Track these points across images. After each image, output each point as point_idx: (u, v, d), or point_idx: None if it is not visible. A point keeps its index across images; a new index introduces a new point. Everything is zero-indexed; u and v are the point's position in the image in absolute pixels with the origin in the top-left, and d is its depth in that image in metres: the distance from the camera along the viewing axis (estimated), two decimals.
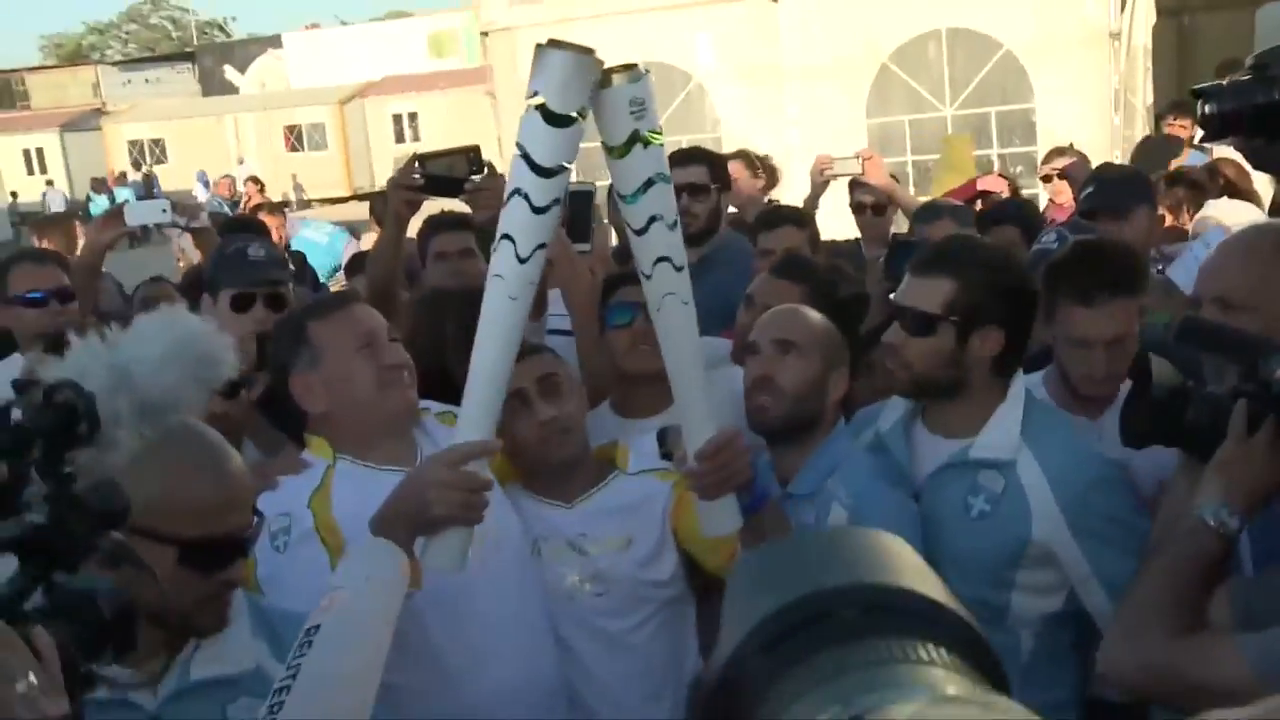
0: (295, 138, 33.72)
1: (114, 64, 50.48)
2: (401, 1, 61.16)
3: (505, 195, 1.93)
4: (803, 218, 4.02)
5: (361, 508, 2.05)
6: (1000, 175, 5.45)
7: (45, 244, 5.17)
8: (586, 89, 1.87)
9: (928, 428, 2.48)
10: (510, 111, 10.71)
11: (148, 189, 26.87)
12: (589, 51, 1.88)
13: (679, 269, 1.98)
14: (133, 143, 35.24)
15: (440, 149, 3.21)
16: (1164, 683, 1.64)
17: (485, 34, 10.93)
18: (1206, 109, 1.84)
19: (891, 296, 2.50)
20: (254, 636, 1.75)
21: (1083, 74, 10.20)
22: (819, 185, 4.63)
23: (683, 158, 4.29)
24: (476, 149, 3.19)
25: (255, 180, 16.58)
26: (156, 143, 35.07)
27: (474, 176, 3.06)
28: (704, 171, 4.18)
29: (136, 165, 33.65)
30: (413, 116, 32.95)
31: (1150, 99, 11.41)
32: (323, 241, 9.46)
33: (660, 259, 1.97)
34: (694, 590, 2.62)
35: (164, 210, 3.92)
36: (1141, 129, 10.88)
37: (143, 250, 15.89)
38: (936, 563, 2.48)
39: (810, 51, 10.34)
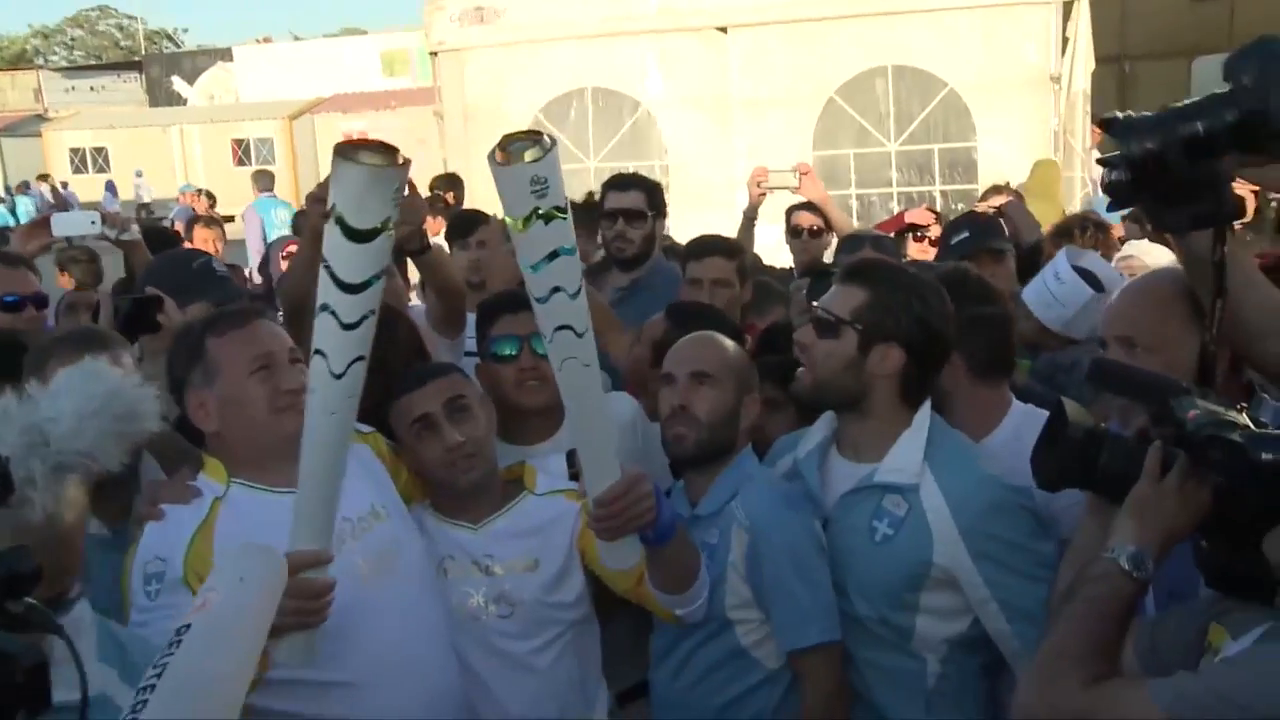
0: (243, 151, 33.34)
1: (57, 70, 49.77)
2: (355, 19, 60.86)
3: (316, 309, 1.86)
4: (731, 248, 4.05)
5: (250, 538, 2.01)
6: (928, 209, 5.52)
7: None
8: (388, 199, 1.80)
9: (840, 452, 2.53)
10: (457, 132, 10.66)
11: (57, 199, 26.18)
12: (392, 155, 1.79)
13: (580, 334, 1.97)
14: (74, 150, 34.64)
15: None
16: None
17: (434, 54, 10.88)
18: (1112, 177, 1.87)
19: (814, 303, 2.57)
20: (100, 661, 1.70)
21: (1024, 115, 10.37)
22: (756, 197, 4.68)
23: (621, 183, 4.34)
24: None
25: (204, 194, 16.32)
26: (99, 151, 34.48)
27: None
28: (641, 198, 4.23)
29: (78, 173, 33.10)
30: (363, 134, 32.65)
31: (1089, 142, 11.63)
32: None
33: (562, 326, 1.97)
34: (601, 611, 2.63)
35: (93, 222, 3.83)
36: (1080, 170, 11.09)
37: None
38: (843, 585, 2.50)
39: (759, 83, 10.41)
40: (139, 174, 28.69)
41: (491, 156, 1.84)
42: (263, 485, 2.27)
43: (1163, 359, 2.08)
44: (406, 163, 1.82)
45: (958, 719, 2.44)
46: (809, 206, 4.85)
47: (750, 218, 4.75)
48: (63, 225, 3.81)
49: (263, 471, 2.27)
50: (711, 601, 2.45)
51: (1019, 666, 2.32)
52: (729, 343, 2.64)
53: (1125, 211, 3.97)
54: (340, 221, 1.79)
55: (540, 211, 1.85)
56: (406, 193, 2.93)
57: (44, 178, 28.57)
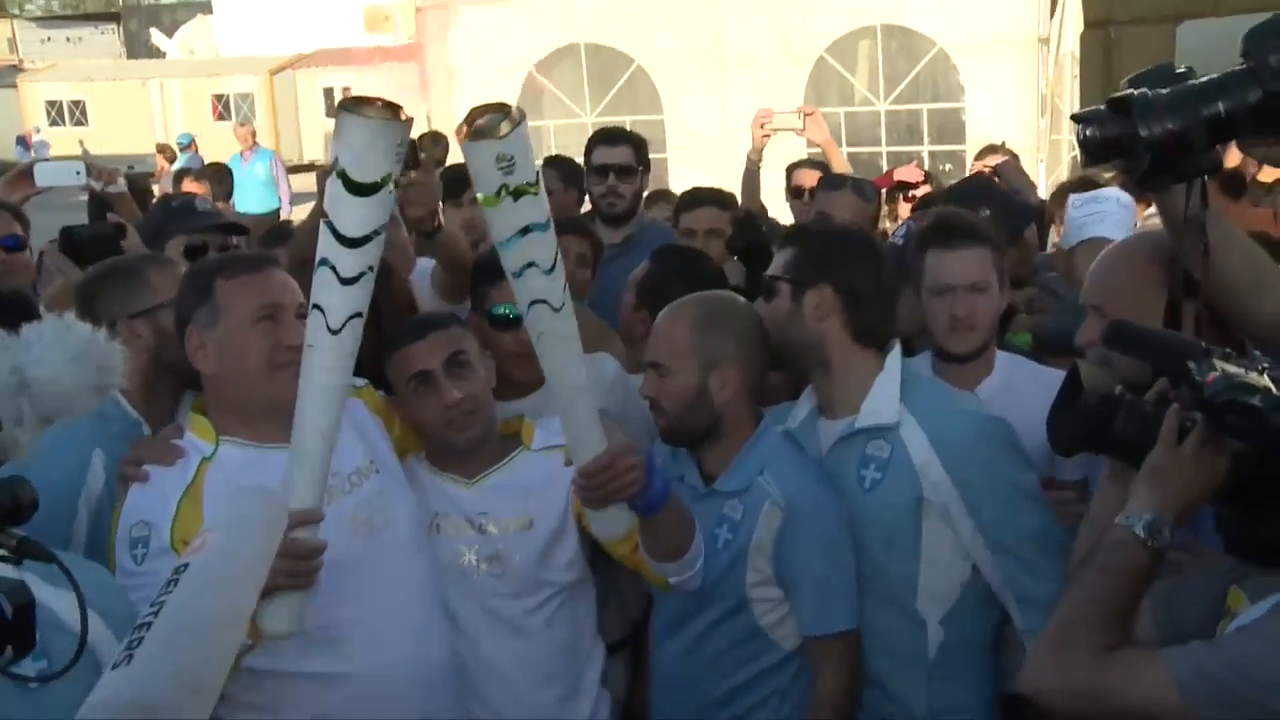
0: (223, 106, 32.93)
1: (33, 20, 48.97)
2: None
3: (315, 264, 1.87)
4: (725, 199, 4.02)
5: None
6: (916, 166, 5.49)
7: None
8: (392, 153, 1.80)
9: (823, 415, 2.52)
10: (441, 90, 10.57)
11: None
12: (395, 111, 1.80)
13: (557, 309, 1.96)
14: (51, 103, 34.11)
15: None
16: (1090, 704, 1.62)
17: (420, 9, 10.74)
18: (1086, 133, 1.85)
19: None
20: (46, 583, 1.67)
21: (1012, 76, 10.34)
22: (760, 140, 4.62)
23: (610, 138, 4.31)
24: (413, 142, 3.11)
25: (165, 150, 15.95)
26: (77, 104, 33.98)
27: (410, 171, 2.99)
28: (630, 153, 4.22)
29: (55, 126, 32.64)
30: (344, 90, 32.34)
31: (1077, 105, 11.61)
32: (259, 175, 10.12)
33: (536, 301, 1.95)
34: (600, 573, 2.60)
35: (77, 173, 3.75)
36: (1067, 133, 11.08)
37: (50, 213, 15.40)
38: None
39: (751, 40, 10.34)
40: (37, 129, 28.02)
41: (459, 131, 1.83)
42: (253, 441, 2.23)
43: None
44: (409, 119, 1.82)
45: (961, 692, 2.43)
46: (810, 164, 4.81)
47: (755, 162, 4.69)
48: (46, 175, 3.72)
49: (252, 426, 2.23)
50: (731, 579, 2.42)
51: (1006, 602, 2.34)
52: (688, 318, 2.51)
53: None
54: (342, 175, 1.79)
55: (510, 188, 1.83)
56: (420, 173, 2.94)
57: (21, 140, 28.03)
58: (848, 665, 2.42)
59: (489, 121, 1.82)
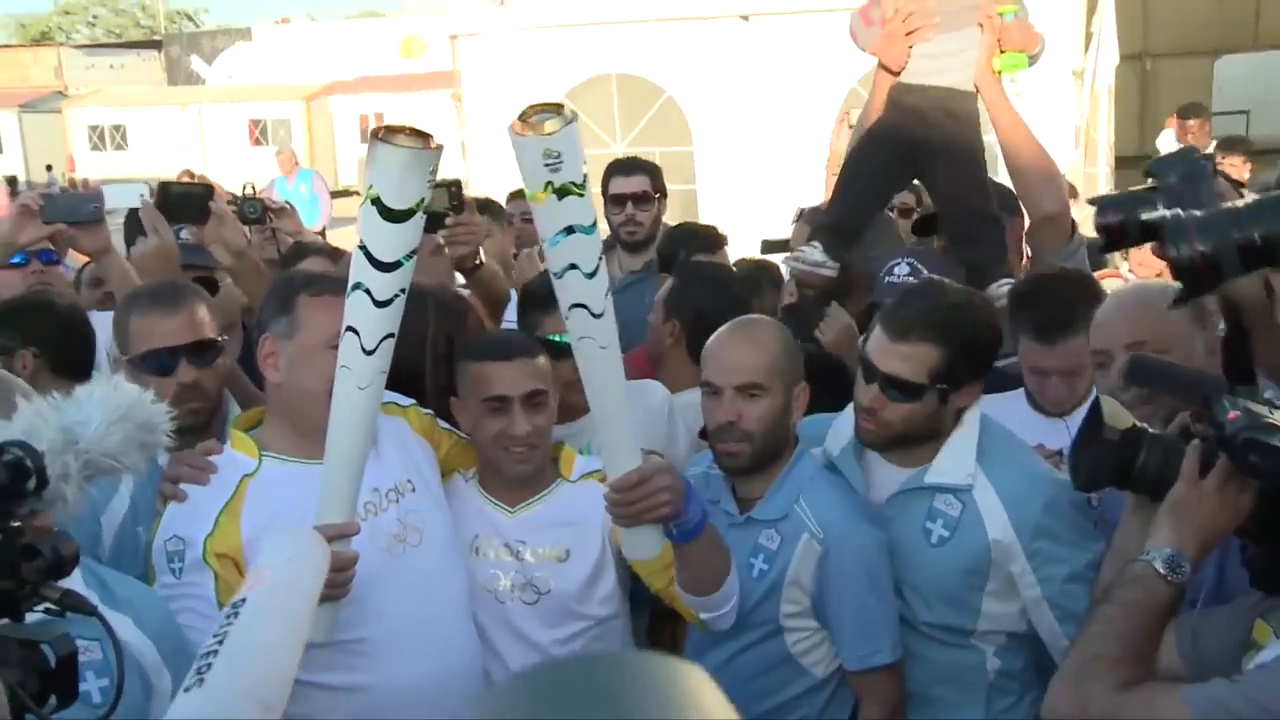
0: (260, 132, 33.35)
1: (78, 47, 49.84)
2: (374, 3, 60.98)
3: (348, 287, 1.94)
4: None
5: (281, 514, 2.04)
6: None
7: None
8: (424, 180, 1.86)
9: (881, 455, 2.46)
10: (476, 117, 10.64)
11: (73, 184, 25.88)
12: (425, 139, 1.85)
13: (597, 315, 1.96)
14: (93, 128, 34.67)
15: None
16: None
17: (454, 37, 10.84)
18: (1107, 220, 1.79)
19: (861, 353, 2.46)
20: (87, 586, 1.82)
21: (1047, 109, 10.30)
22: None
23: (625, 168, 4.41)
24: (458, 183, 3.21)
25: (190, 175, 16.15)
26: (117, 129, 34.51)
27: (453, 213, 3.06)
28: (646, 181, 4.32)
29: (96, 150, 33.14)
30: (379, 117, 32.67)
31: (1112, 138, 11.56)
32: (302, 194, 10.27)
33: (576, 304, 1.96)
34: (644, 605, 2.58)
35: (141, 195, 3.79)
36: (1103, 165, 11.02)
37: None
38: (898, 588, 2.44)
39: (781, 72, 10.36)
40: (49, 167, 28.11)
41: (511, 126, 1.86)
42: (297, 457, 2.26)
43: (1173, 360, 2.06)
44: (440, 147, 1.88)
45: (1018, 712, 2.39)
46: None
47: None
48: (114, 197, 3.76)
49: (300, 442, 2.26)
50: (766, 608, 2.39)
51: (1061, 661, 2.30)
52: (773, 335, 2.48)
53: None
54: (376, 202, 1.85)
55: (555, 185, 1.86)
56: (466, 216, 3.02)
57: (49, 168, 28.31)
58: (896, 695, 2.39)
59: (539, 118, 1.86)
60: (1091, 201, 1.86)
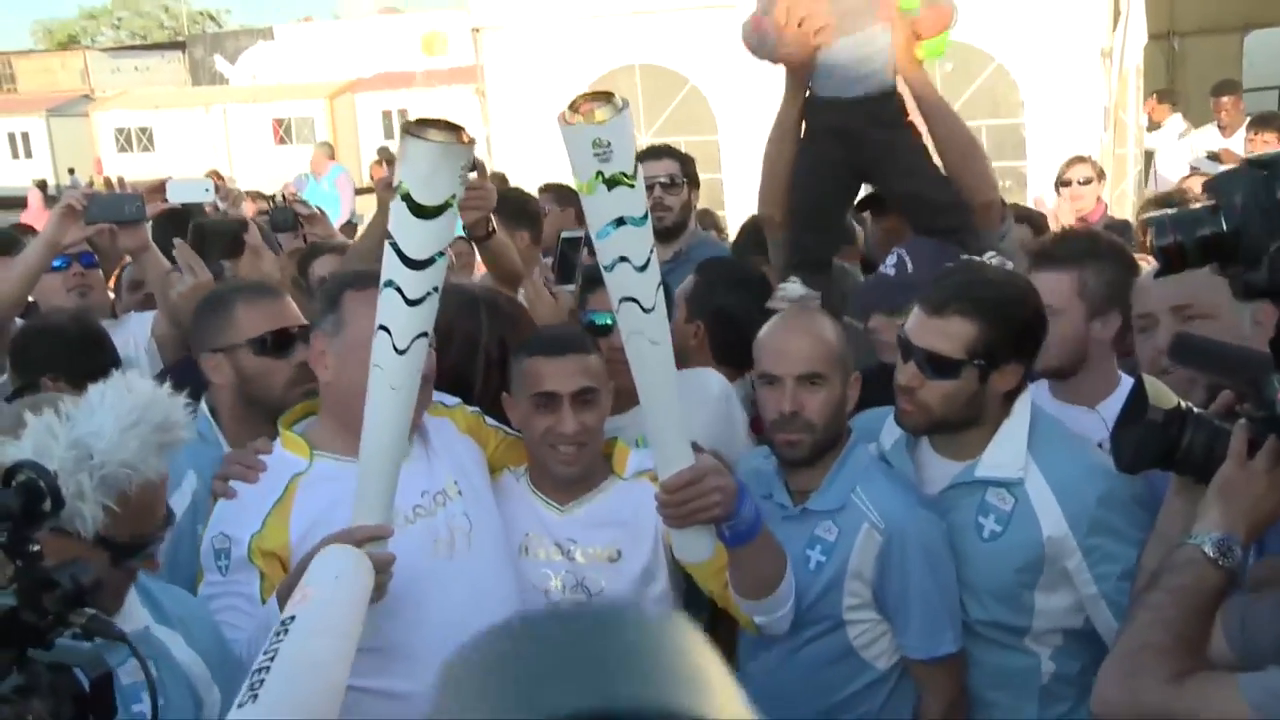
0: (284, 130, 33.48)
1: (103, 50, 50.17)
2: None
3: (380, 285, 1.91)
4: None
5: (332, 512, 2.03)
6: None
7: None
8: (455, 176, 1.82)
9: (934, 447, 2.44)
10: (500, 110, 10.62)
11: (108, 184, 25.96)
12: (457, 132, 1.81)
13: (648, 310, 1.93)
14: (119, 130, 34.90)
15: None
16: None
17: (476, 30, 10.83)
18: (1164, 241, 1.66)
19: (900, 334, 2.43)
20: (141, 604, 1.86)
21: (1074, 91, 10.19)
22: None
23: (654, 153, 4.39)
24: (472, 141, 3.15)
25: (217, 176, 16.22)
26: (144, 131, 34.72)
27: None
28: (675, 165, 4.30)
29: (123, 152, 33.37)
30: (402, 113, 32.73)
31: (1142, 118, 11.41)
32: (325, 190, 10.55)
33: (626, 298, 1.93)
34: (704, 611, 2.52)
35: (206, 190, 3.82)
36: (1132, 146, 10.89)
37: None
38: None
39: None
40: (71, 170, 28.24)
41: (560, 115, 1.82)
42: (349, 456, 2.24)
43: (1218, 326, 2.02)
44: (472, 141, 1.85)
45: (1074, 711, 2.36)
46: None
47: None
48: (179, 191, 3.79)
49: (350, 440, 2.24)
50: (827, 601, 2.36)
51: None
52: (828, 325, 2.47)
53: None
54: (407, 198, 1.81)
55: (604, 175, 1.82)
56: (477, 177, 2.97)
57: (71, 171, 28.46)
58: (956, 686, 2.38)
59: (589, 107, 1.82)
60: (1146, 221, 1.75)
